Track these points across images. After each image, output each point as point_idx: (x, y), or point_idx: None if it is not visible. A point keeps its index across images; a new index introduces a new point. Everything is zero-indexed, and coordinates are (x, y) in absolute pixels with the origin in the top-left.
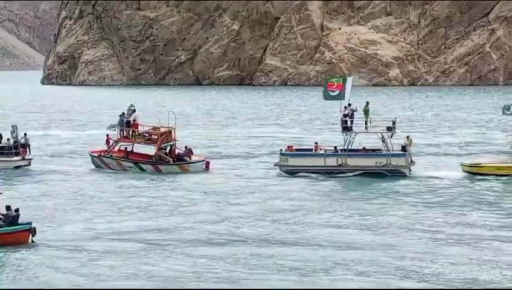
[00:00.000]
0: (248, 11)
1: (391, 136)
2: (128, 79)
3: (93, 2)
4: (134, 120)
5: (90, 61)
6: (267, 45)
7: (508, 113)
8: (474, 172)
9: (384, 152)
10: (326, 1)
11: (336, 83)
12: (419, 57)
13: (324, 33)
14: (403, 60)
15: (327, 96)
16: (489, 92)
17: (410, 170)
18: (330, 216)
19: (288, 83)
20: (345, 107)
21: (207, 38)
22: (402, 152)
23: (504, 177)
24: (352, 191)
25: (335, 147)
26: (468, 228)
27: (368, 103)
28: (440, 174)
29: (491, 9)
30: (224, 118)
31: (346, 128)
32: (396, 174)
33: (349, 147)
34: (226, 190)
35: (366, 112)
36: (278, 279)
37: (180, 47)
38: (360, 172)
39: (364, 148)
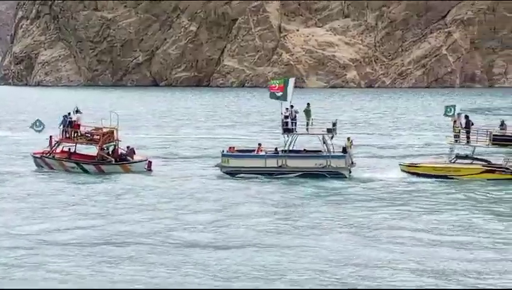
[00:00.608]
0: (206, 13)
1: (331, 137)
2: (85, 80)
3: (50, 2)
4: (75, 121)
5: (47, 62)
6: (225, 46)
7: (450, 114)
8: (412, 172)
9: (324, 154)
10: (284, 2)
11: (277, 85)
12: (377, 59)
13: (282, 35)
14: (360, 62)
15: (272, 96)
16: (443, 95)
17: (350, 171)
18: (266, 218)
19: (246, 84)
20: (286, 108)
21: (165, 39)
22: (341, 154)
23: (440, 178)
24: (290, 193)
25: (275, 148)
26: (404, 230)
27: (308, 104)
28: (379, 175)
29: (448, 12)
30: (174, 119)
31: (287, 130)
32: (336, 175)
33: (291, 148)
34: (163, 191)
35: (307, 112)
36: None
37: (138, 48)
38: (300, 173)
39: (304, 149)
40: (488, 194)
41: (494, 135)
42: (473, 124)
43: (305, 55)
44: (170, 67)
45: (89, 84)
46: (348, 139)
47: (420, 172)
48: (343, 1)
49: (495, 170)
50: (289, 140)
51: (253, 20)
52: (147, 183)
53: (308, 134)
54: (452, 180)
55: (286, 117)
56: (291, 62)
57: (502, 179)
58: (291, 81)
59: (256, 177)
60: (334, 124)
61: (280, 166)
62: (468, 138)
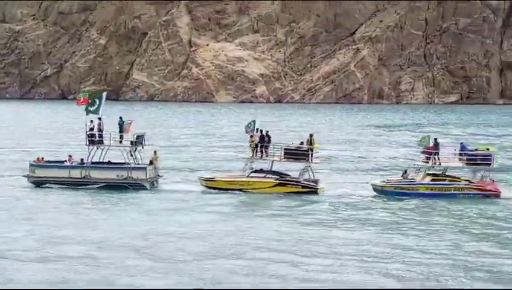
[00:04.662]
0: (115, 26)
1: (135, 150)
2: None
3: None
4: None
5: None
6: (134, 60)
7: (249, 129)
8: (210, 186)
9: (127, 166)
10: (195, 16)
11: (82, 98)
12: (286, 75)
13: (192, 49)
14: (270, 78)
15: (88, 111)
16: (348, 110)
17: (154, 184)
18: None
19: (156, 98)
20: (91, 121)
21: (73, 52)
22: (142, 166)
23: (235, 191)
24: (81, 203)
25: (81, 159)
26: (192, 239)
27: (121, 117)
28: (180, 188)
29: (356, 29)
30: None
31: (92, 142)
32: (137, 187)
33: (100, 160)
34: None
35: (120, 126)
36: None
37: (46, 60)
38: (103, 184)
39: (109, 161)
40: (271, 206)
41: (285, 149)
42: (270, 140)
43: (215, 70)
44: (79, 81)
45: None
46: (155, 152)
47: (217, 186)
48: (256, 3)
49: (287, 184)
50: (93, 151)
51: (163, 34)
52: None
53: (111, 146)
54: (246, 193)
55: (91, 129)
56: (201, 76)
57: (293, 192)
58: (103, 95)
59: (60, 188)
60: (137, 137)
61: (84, 177)
62: (262, 152)
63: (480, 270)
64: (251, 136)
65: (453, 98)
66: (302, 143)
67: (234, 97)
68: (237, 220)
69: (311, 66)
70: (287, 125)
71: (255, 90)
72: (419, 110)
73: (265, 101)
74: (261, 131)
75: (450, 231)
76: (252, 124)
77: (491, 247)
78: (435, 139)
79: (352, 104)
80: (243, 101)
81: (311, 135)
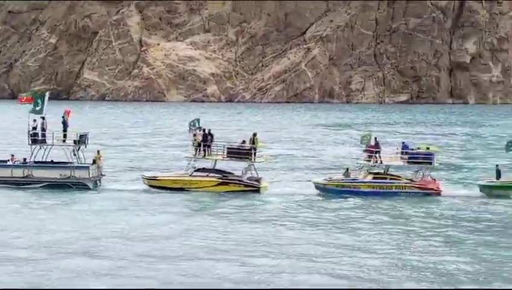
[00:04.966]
0: (66, 25)
1: (78, 149)
2: None
3: None
4: None
5: None
6: (85, 60)
7: (193, 128)
8: (153, 185)
9: (70, 165)
10: (145, 16)
11: (25, 97)
12: (237, 74)
13: (143, 48)
14: (221, 77)
15: (33, 111)
16: (296, 109)
17: (98, 183)
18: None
19: (106, 98)
20: (34, 120)
21: (23, 51)
22: (85, 165)
23: (178, 190)
24: (25, 203)
25: (24, 159)
26: (132, 241)
27: (63, 116)
28: (123, 187)
29: (307, 28)
30: None
31: (35, 141)
32: (80, 186)
33: (44, 160)
34: None
35: (64, 123)
36: None
37: None
38: (46, 184)
39: (52, 160)
40: (215, 205)
41: (228, 148)
42: (212, 138)
43: (166, 69)
44: (29, 80)
45: None
46: (98, 152)
47: (160, 185)
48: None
49: (229, 183)
50: (36, 150)
51: (114, 33)
52: None
53: (54, 145)
54: (188, 192)
55: (34, 128)
56: (152, 76)
57: (235, 190)
58: (47, 94)
59: (3, 187)
60: (81, 136)
61: (26, 176)
62: (205, 151)
63: (425, 268)
64: (194, 135)
65: (403, 97)
66: (244, 142)
67: (185, 96)
68: (183, 220)
69: (262, 66)
70: (236, 125)
71: (206, 89)
72: (369, 110)
73: (216, 100)
74: (204, 130)
75: (393, 230)
76: (196, 122)
77: (435, 245)
78: (375, 138)
79: (303, 103)
80: (194, 101)
81: (254, 134)
